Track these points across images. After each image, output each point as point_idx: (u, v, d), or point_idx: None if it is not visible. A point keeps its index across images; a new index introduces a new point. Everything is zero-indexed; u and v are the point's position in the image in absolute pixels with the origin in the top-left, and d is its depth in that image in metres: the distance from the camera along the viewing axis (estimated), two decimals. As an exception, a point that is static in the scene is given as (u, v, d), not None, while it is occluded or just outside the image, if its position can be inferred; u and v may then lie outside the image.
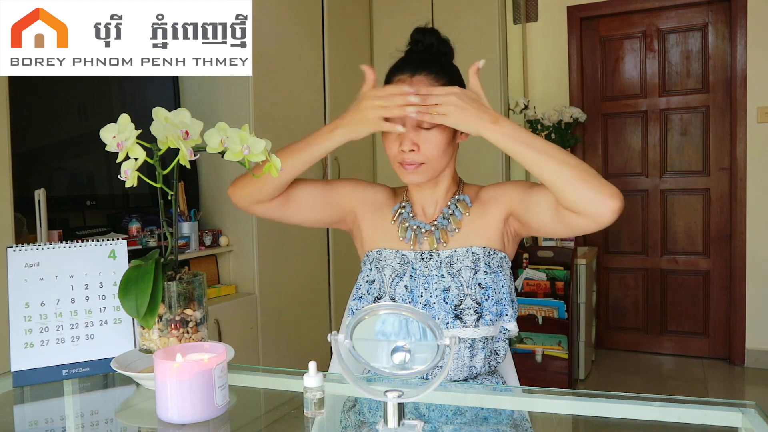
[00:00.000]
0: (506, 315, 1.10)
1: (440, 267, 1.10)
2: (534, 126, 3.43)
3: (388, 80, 1.12)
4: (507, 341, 1.14)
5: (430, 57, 1.13)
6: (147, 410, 0.94)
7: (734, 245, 3.44)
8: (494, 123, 0.99)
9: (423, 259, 1.12)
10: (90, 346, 1.05)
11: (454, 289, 1.08)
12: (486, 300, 1.07)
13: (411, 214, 1.17)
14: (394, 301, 1.09)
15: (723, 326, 3.53)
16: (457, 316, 1.06)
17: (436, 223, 1.15)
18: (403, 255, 1.13)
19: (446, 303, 1.07)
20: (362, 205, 1.19)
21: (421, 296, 1.09)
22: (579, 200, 0.97)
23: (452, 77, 1.11)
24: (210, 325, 1.51)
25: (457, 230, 1.13)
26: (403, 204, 1.18)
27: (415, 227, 1.15)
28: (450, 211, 1.15)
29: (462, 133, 1.10)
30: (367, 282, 1.13)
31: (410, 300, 1.09)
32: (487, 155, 3.18)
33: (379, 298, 1.11)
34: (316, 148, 1.09)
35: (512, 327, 1.11)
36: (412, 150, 1.06)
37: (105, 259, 1.08)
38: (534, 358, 3.00)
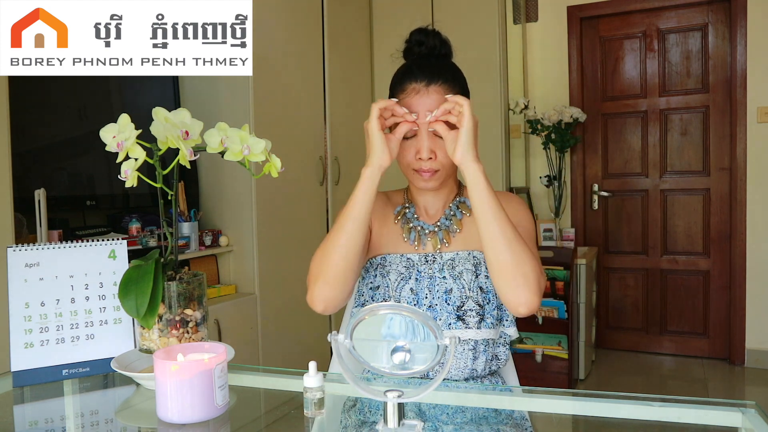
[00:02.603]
0: (506, 320, 1.13)
1: (443, 269, 1.11)
2: (534, 126, 3.43)
3: (400, 86, 1.10)
4: (508, 346, 1.15)
5: (438, 62, 1.11)
6: (147, 410, 0.94)
7: (734, 245, 3.44)
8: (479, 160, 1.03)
9: (427, 261, 1.12)
10: (90, 346, 1.05)
11: (456, 291, 1.09)
12: (488, 303, 1.09)
13: (415, 215, 1.17)
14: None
15: (723, 326, 3.52)
16: (459, 318, 1.07)
17: (438, 224, 1.16)
18: (408, 258, 1.13)
19: (448, 304, 1.08)
20: (372, 218, 1.18)
21: (426, 298, 1.10)
22: (498, 281, 1.01)
23: (462, 87, 1.12)
24: (210, 325, 1.51)
25: (458, 231, 1.14)
26: (407, 205, 1.19)
27: (419, 228, 1.15)
28: (452, 213, 1.16)
29: None
30: (370, 289, 1.13)
31: (415, 302, 1.09)
32: (485, 160, 3.18)
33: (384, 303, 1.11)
34: (360, 194, 1.04)
35: (512, 332, 1.13)
36: (430, 158, 1.07)
37: (105, 259, 1.08)
38: (534, 358, 3.00)
